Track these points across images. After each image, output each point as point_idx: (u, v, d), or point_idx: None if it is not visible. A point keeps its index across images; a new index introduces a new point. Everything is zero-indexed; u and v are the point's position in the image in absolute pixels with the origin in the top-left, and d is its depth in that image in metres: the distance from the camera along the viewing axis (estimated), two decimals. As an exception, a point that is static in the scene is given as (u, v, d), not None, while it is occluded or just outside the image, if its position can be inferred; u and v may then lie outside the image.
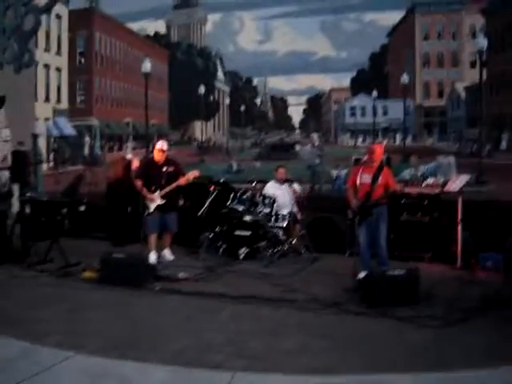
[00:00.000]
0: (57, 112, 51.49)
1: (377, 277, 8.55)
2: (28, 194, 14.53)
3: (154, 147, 12.04)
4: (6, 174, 15.08)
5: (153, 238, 10.86)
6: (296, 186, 12.62)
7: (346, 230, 11.45)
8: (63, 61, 54.83)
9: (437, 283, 9.10)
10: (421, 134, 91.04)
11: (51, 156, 46.43)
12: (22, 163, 15.93)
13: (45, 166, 32.46)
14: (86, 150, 53.68)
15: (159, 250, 10.94)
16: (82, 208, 14.04)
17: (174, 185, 10.83)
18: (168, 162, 11.11)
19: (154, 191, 10.80)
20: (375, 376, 5.82)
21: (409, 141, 68.45)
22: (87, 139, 56.60)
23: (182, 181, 10.86)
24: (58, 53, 53.50)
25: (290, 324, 7.48)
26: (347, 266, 9.72)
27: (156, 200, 10.79)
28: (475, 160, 28.49)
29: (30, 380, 5.59)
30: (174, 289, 9.10)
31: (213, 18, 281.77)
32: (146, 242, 11.07)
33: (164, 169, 10.96)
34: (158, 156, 11.06)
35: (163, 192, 10.77)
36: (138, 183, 10.98)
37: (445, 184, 12.72)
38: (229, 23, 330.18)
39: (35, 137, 21.52)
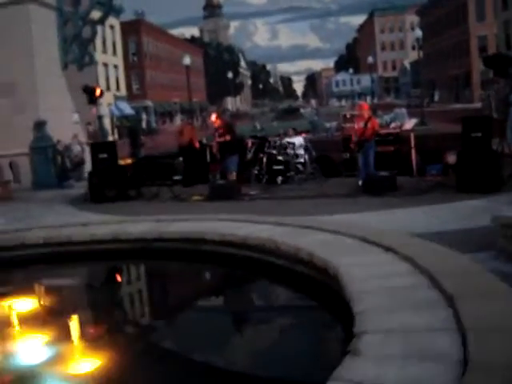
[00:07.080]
0: (117, 98, 47.95)
1: (371, 177, 9.67)
2: (142, 154, 14.80)
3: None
4: (78, 147, 14.34)
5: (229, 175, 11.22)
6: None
7: (339, 162, 11.91)
8: (119, 60, 51.46)
9: (403, 183, 9.83)
10: (383, 95, 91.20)
11: (115, 131, 43.19)
12: (136, 135, 16.29)
13: (111, 139, 30.32)
14: (144, 125, 49.11)
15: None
16: (179, 159, 12.73)
17: (219, 139, 11.16)
18: (222, 124, 11.41)
19: None
20: (375, 212, 7.80)
21: (375, 100, 68.43)
22: (144, 116, 52.30)
23: (221, 139, 11.16)
24: (114, 54, 50.16)
25: (326, 203, 8.96)
26: (347, 182, 10.60)
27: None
28: (419, 109, 29.04)
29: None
30: (253, 198, 10.11)
31: (234, 24, 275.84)
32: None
33: (220, 130, 11.33)
34: (214, 122, 11.77)
35: (215, 143, 11.34)
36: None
37: (402, 126, 13.57)
38: (246, 27, 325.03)
39: (100, 118, 20.47)
